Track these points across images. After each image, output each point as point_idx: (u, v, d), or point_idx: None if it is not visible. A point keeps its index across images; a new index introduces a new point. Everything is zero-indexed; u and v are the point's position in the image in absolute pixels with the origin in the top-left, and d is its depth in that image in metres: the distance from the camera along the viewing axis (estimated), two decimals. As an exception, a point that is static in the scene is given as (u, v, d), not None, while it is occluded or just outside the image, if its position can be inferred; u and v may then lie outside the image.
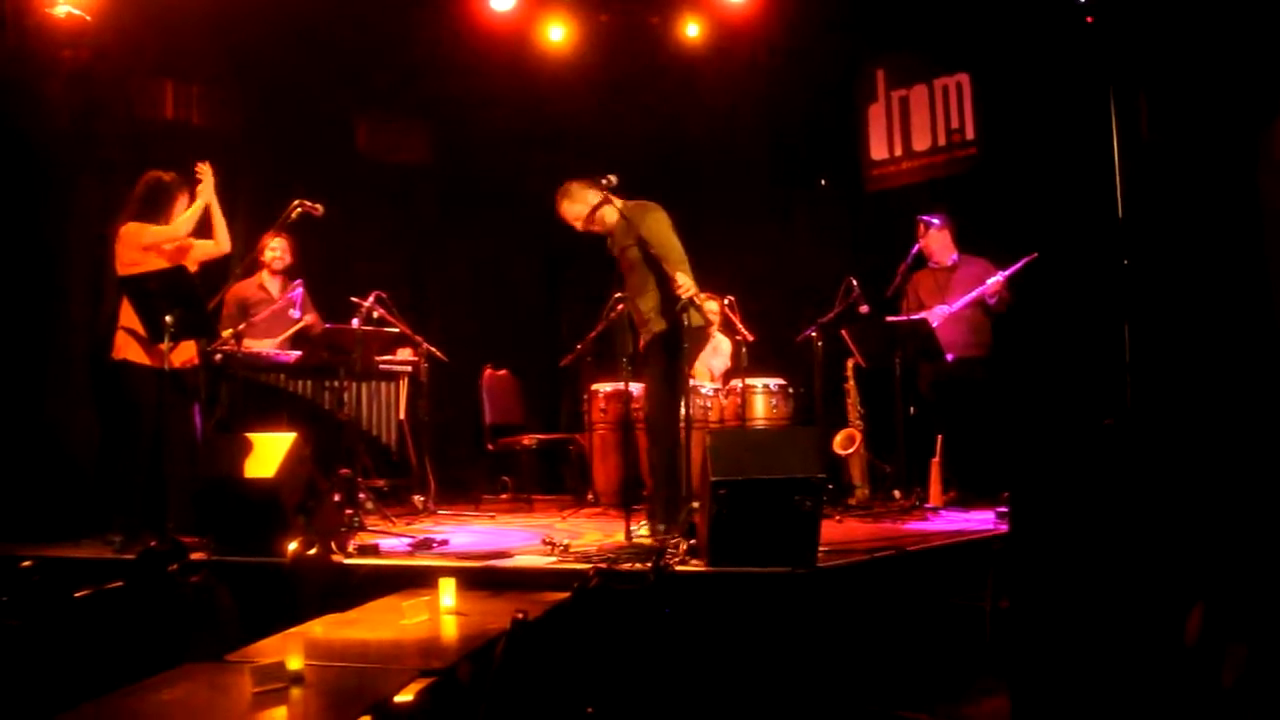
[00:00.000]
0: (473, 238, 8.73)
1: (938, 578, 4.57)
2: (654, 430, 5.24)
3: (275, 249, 6.53)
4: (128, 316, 5.45)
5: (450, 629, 3.39)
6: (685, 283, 5.03)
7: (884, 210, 8.03)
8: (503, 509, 7.33)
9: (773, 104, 8.46)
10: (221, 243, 5.75)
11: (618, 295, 5.57)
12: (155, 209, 5.60)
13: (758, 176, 8.50)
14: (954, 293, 6.76)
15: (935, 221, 6.86)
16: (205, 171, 5.66)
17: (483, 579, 4.14)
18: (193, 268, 5.60)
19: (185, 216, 5.57)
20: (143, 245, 5.51)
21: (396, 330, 6.50)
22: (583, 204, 5.42)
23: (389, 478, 7.06)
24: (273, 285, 6.59)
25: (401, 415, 6.73)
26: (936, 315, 6.64)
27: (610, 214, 5.39)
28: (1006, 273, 6.56)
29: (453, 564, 4.43)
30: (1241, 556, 2.93)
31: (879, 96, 8.16)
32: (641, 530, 5.05)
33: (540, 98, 8.57)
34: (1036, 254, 6.46)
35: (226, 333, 5.86)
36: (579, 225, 5.46)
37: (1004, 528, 4.90)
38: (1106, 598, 3.15)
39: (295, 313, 6.49)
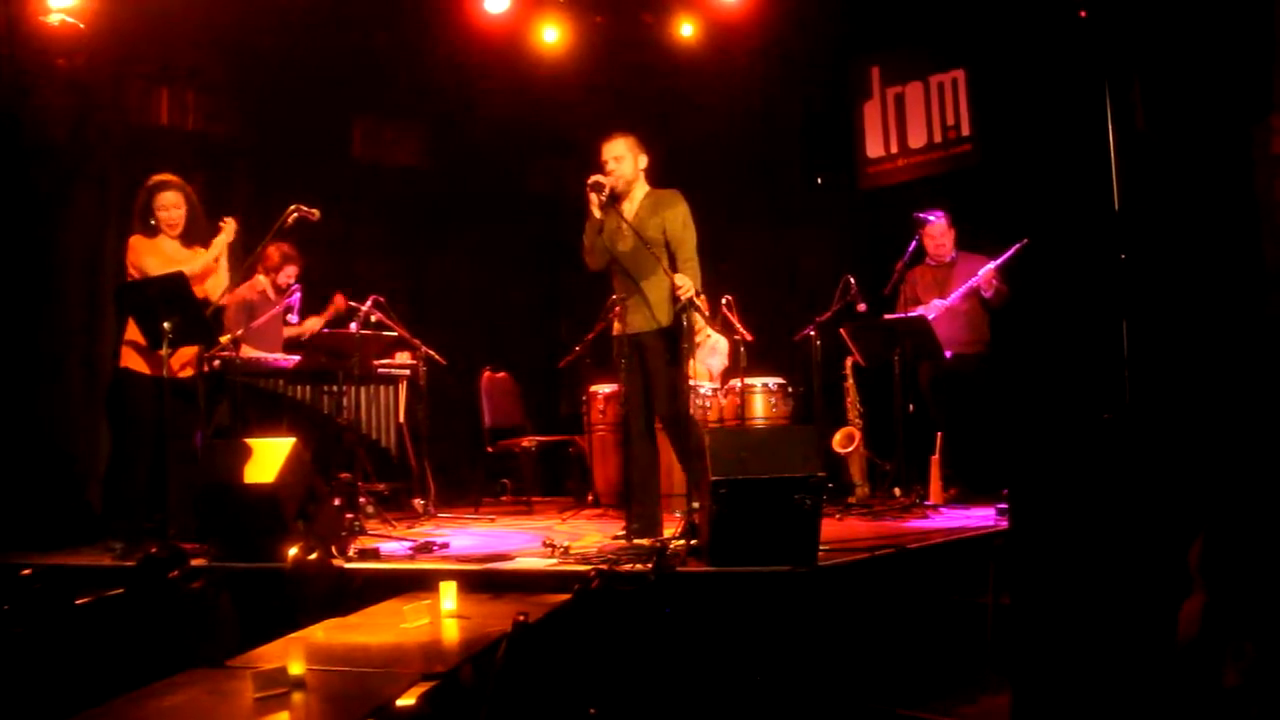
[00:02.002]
0: (470, 240, 8.74)
1: (938, 575, 4.57)
2: (676, 425, 5.21)
3: (291, 273, 6.55)
4: (132, 327, 5.46)
5: (451, 632, 3.39)
6: (685, 284, 5.02)
7: (881, 208, 8.03)
8: (502, 511, 7.33)
9: (768, 102, 8.46)
10: (215, 290, 5.73)
11: (615, 297, 5.57)
12: (146, 220, 5.61)
13: (754, 175, 8.50)
14: (952, 289, 6.76)
15: (932, 219, 6.87)
16: (229, 226, 5.67)
17: (483, 582, 4.14)
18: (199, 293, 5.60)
19: (192, 267, 5.54)
20: (134, 265, 5.55)
21: (395, 334, 6.50)
22: (635, 158, 5.39)
23: (389, 481, 7.06)
24: (272, 291, 6.59)
25: (401, 419, 6.73)
26: (933, 309, 6.65)
27: (640, 187, 5.40)
28: (998, 261, 6.57)
29: (453, 567, 4.43)
30: (1243, 551, 2.93)
31: (874, 94, 8.16)
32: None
33: (536, 99, 8.57)
34: (1027, 240, 6.48)
35: (225, 339, 5.86)
36: (615, 170, 5.32)
37: (1004, 524, 4.91)
38: (1108, 594, 3.15)
39: (293, 318, 6.50)
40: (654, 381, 5.28)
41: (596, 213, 5.28)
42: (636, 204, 5.39)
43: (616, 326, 5.40)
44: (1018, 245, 6.49)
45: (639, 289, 5.30)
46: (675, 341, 5.16)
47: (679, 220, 5.29)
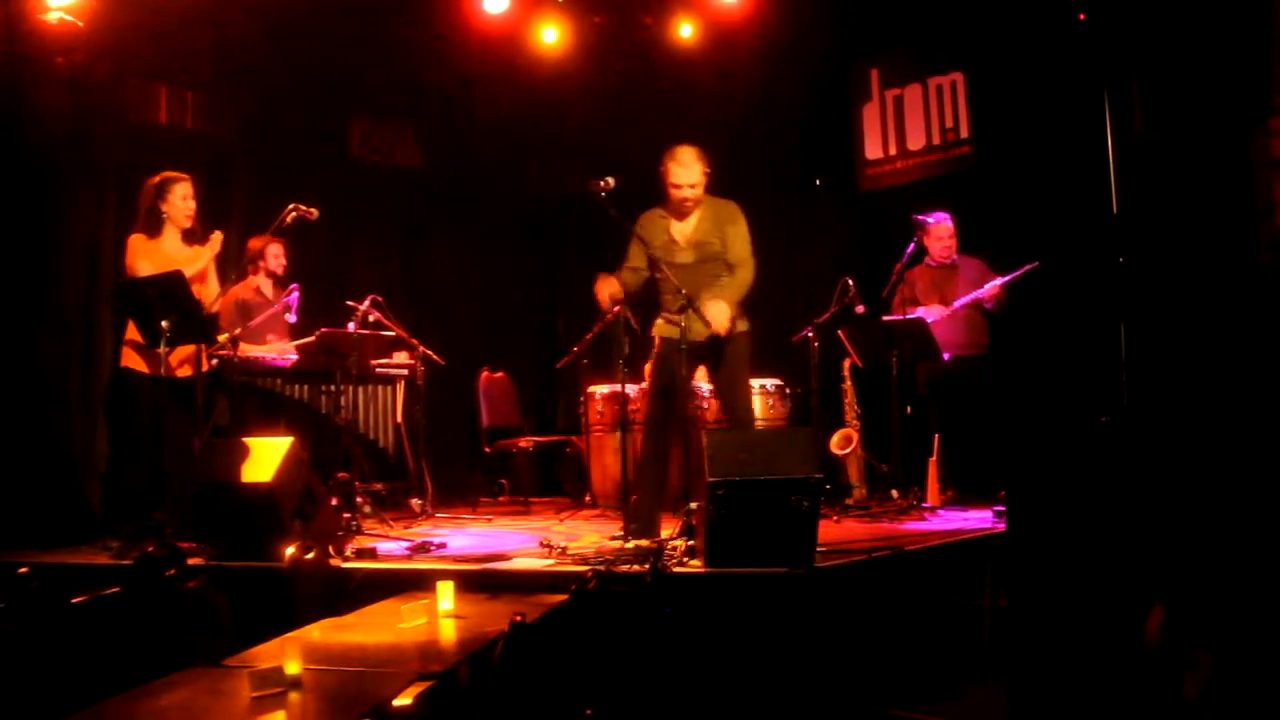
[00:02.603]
0: (468, 240, 8.74)
1: (936, 577, 4.57)
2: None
3: (278, 255, 6.54)
4: (132, 326, 5.46)
5: (448, 632, 3.39)
6: (719, 315, 5.00)
7: (879, 210, 8.03)
8: (500, 511, 7.33)
9: (767, 104, 8.47)
10: (206, 298, 5.72)
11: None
12: (154, 216, 5.63)
13: (752, 177, 8.48)
14: (952, 292, 6.76)
15: (931, 220, 6.86)
16: (215, 238, 5.74)
17: (481, 582, 4.13)
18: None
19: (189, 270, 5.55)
20: (129, 265, 5.59)
21: (392, 334, 6.50)
22: (699, 174, 5.17)
23: (386, 481, 7.05)
24: (266, 288, 6.58)
25: (398, 418, 6.73)
26: (932, 314, 6.65)
27: (701, 200, 5.26)
28: (1005, 279, 6.57)
29: (450, 567, 4.43)
30: (1223, 557, 2.93)
31: (873, 96, 8.17)
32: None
33: (534, 100, 8.57)
34: (1037, 263, 6.48)
35: (223, 337, 5.86)
36: (690, 193, 5.15)
37: (1001, 527, 4.91)
38: (1104, 596, 3.15)
39: (291, 317, 6.48)
40: (733, 385, 5.28)
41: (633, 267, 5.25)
42: (696, 216, 5.25)
43: (666, 330, 5.28)
44: (1027, 267, 6.49)
45: (697, 299, 5.07)
46: (742, 345, 5.22)
47: (741, 238, 5.22)
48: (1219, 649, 2.76)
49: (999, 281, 6.58)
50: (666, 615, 3.84)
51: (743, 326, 5.22)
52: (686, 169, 5.16)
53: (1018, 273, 6.53)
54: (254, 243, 6.48)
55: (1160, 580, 2.97)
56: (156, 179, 5.70)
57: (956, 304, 6.70)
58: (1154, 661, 2.87)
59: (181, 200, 5.67)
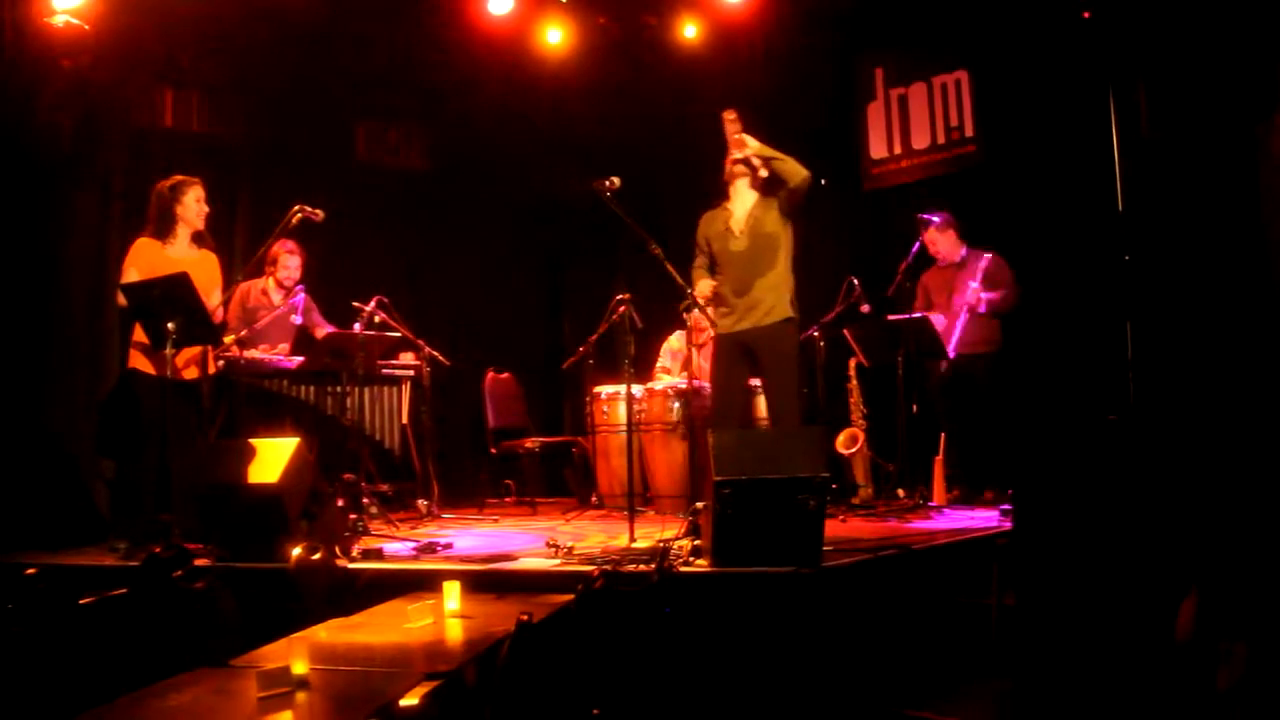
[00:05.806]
0: (473, 241, 8.74)
1: (942, 576, 4.57)
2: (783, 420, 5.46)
3: (290, 266, 6.50)
4: (139, 328, 5.47)
5: (455, 632, 3.39)
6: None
7: (884, 209, 8.03)
8: (506, 512, 7.33)
9: (771, 104, 8.44)
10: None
11: (619, 298, 5.56)
12: (167, 219, 5.63)
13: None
14: (960, 290, 6.75)
15: (935, 219, 6.86)
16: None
17: (487, 582, 4.13)
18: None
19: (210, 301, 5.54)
20: (123, 269, 5.57)
21: (398, 334, 6.50)
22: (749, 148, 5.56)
23: (392, 482, 7.06)
24: (276, 294, 6.56)
25: (404, 419, 6.73)
26: (937, 321, 6.62)
27: (752, 179, 5.59)
28: (985, 293, 6.58)
29: (457, 567, 4.43)
30: (1242, 552, 2.92)
31: (878, 95, 8.16)
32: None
33: (539, 100, 8.57)
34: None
35: (229, 339, 5.86)
36: (746, 156, 5.57)
37: (1008, 525, 4.91)
38: (1111, 594, 3.15)
39: (297, 319, 6.49)
40: (772, 378, 5.51)
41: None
42: (750, 203, 5.56)
43: (723, 324, 5.51)
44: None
45: (752, 287, 5.45)
46: (793, 336, 5.46)
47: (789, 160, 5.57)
48: (1253, 640, 2.75)
49: (975, 286, 6.57)
50: (668, 615, 3.83)
51: (787, 313, 5.48)
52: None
53: (995, 296, 6.56)
54: (276, 249, 6.43)
55: (1190, 570, 2.96)
56: (169, 182, 5.68)
57: (959, 316, 6.68)
58: (1184, 654, 2.86)
59: (195, 203, 5.67)
